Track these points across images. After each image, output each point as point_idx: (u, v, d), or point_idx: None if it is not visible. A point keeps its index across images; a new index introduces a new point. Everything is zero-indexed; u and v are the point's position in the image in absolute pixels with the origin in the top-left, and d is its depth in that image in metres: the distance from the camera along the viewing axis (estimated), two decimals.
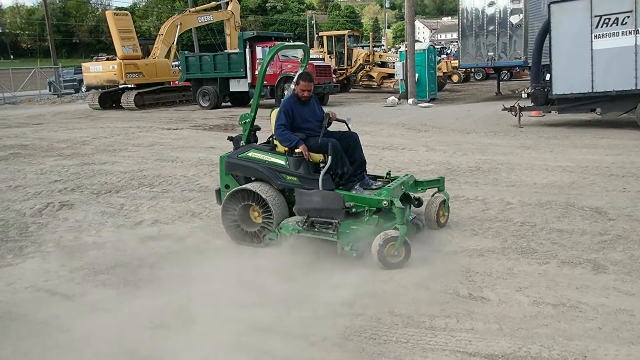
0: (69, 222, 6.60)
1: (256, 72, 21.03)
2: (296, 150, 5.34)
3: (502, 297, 4.11)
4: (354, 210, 5.11)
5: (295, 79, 5.67)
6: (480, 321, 3.77)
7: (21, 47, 78.43)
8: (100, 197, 7.80)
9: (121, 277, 4.81)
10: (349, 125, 5.92)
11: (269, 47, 20.69)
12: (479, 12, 21.13)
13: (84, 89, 31.94)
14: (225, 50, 25.16)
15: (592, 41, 11.71)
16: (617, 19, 11.34)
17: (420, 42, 32.25)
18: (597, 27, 11.62)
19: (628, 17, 11.22)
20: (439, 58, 29.62)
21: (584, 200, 6.61)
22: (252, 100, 22.01)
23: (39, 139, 14.36)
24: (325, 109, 5.85)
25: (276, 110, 5.71)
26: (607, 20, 11.46)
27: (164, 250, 5.48)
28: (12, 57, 71.67)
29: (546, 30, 12.77)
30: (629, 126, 12.08)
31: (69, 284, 4.70)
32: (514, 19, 20.41)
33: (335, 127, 5.88)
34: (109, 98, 24.77)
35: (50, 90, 34.70)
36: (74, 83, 35.65)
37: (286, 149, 5.43)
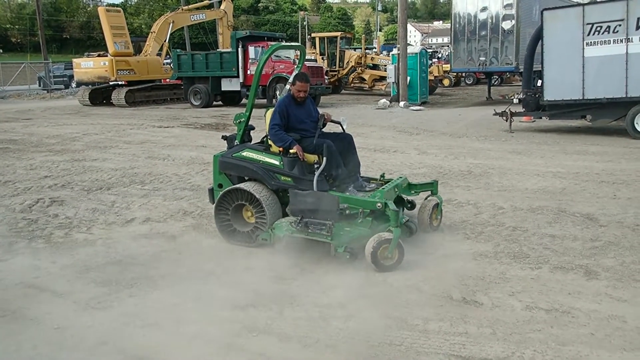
0: (59, 219, 6.54)
1: (248, 72, 21.00)
2: (290, 151, 5.33)
3: (495, 302, 4.13)
4: (347, 212, 5.10)
5: (291, 79, 5.66)
6: (473, 325, 3.77)
7: (11, 42, 77.65)
8: (91, 193, 7.74)
9: (113, 275, 4.76)
10: (344, 127, 5.92)
11: (262, 47, 20.67)
12: (471, 17, 21.23)
13: (74, 84, 31.66)
14: (218, 49, 25.08)
15: (583, 48, 11.80)
16: (609, 27, 11.44)
17: (412, 45, 32.38)
18: (589, 34, 11.71)
19: (620, 25, 11.32)
20: (431, 62, 29.71)
21: (575, 206, 6.65)
22: (243, 99, 22.12)
23: (28, 134, 14.25)
24: (320, 110, 5.84)
25: (271, 110, 5.69)
26: (599, 28, 11.56)
27: (156, 249, 5.44)
28: (1, 51, 71.01)
29: (538, 36, 12.86)
30: (618, 133, 12.19)
31: (59, 281, 4.65)
32: (506, 25, 20.53)
33: (329, 128, 5.89)
34: (100, 94, 24.60)
35: (39, 86, 34.39)
36: (64, 79, 35.45)
37: (280, 149, 5.42)
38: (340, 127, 5.91)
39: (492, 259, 5.01)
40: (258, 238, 5.30)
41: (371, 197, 5.13)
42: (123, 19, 24.86)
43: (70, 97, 29.34)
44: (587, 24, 11.71)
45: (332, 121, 5.78)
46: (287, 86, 5.73)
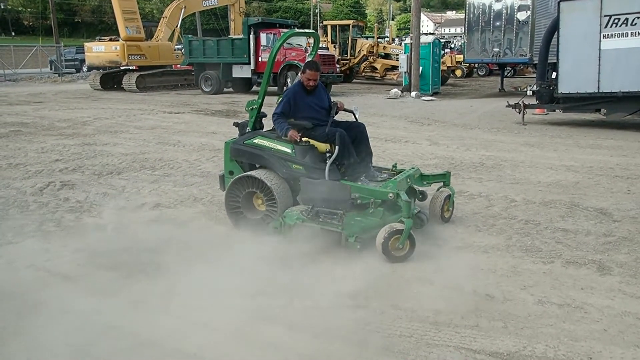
0: (70, 202, 6.55)
1: (259, 59, 20.93)
2: (289, 136, 5.28)
3: (507, 295, 4.08)
4: (359, 201, 5.06)
5: (302, 67, 5.62)
6: (484, 318, 3.74)
7: (23, 25, 77.71)
8: (102, 178, 7.74)
9: (122, 260, 4.75)
10: (357, 116, 5.87)
11: (274, 34, 20.58)
12: (485, 7, 21.00)
13: (85, 68, 31.75)
14: (229, 36, 25.00)
15: (600, 41, 11.63)
16: (627, 19, 11.25)
17: (425, 35, 32.12)
18: (606, 26, 11.53)
19: (638, 17, 11.13)
20: (443, 52, 29.46)
21: (588, 200, 6.57)
22: (254, 86, 22.04)
23: (39, 118, 14.28)
24: (333, 99, 5.79)
25: None
26: (616, 20, 11.38)
27: (166, 235, 5.42)
28: (13, 34, 71.13)
29: (554, 27, 12.70)
30: (633, 128, 12.04)
31: (70, 265, 4.65)
32: (521, 16, 20.29)
33: (342, 117, 5.83)
34: (111, 79, 24.63)
35: (51, 69, 34.55)
36: (76, 62, 35.55)
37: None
38: (353, 116, 5.86)
39: (503, 252, 4.96)
40: (268, 226, 5.27)
41: (383, 187, 5.09)
42: (135, 4, 24.80)
43: (82, 81, 29.42)
44: (605, 15, 11.53)
45: (345, 110, 5.73)
46: (300, 74, 5.69)
